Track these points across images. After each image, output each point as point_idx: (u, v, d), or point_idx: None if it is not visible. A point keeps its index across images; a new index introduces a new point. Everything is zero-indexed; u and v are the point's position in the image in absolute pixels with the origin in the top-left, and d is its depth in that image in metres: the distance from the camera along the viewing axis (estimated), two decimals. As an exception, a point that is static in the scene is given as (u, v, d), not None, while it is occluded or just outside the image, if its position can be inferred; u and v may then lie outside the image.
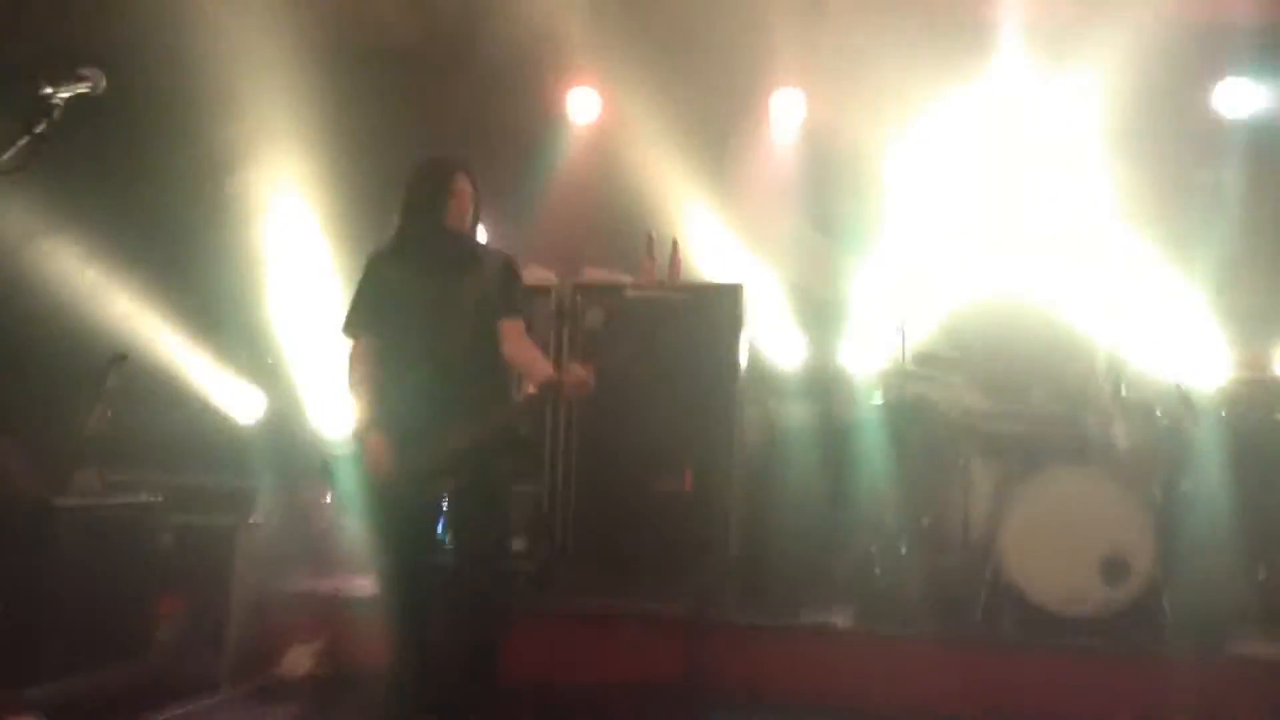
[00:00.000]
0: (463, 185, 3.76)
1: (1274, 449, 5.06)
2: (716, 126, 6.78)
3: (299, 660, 4.69)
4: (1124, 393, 5.29)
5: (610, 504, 4.95)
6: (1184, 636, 4.66)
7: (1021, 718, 4.40)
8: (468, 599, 3.67)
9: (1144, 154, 6.00)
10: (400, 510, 3.65)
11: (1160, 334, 5.85)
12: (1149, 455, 5.14)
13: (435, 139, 6.45)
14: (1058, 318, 5.88)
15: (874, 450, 5.64)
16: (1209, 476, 5.06)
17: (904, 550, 5.27)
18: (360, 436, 3.66)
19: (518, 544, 5.15)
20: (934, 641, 4.72)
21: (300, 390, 5.54)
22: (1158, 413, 5.26)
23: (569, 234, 6.33)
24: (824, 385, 6.09)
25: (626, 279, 5.52)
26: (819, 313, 6.50)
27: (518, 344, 3.75)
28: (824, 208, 6.67)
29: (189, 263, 5.42)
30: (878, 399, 5.66)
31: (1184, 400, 5.24)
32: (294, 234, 6.18)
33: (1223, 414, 5.13)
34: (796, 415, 6.07)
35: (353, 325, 3.80)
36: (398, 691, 3.70)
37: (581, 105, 6.94)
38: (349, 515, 4.96)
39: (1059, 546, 4.81)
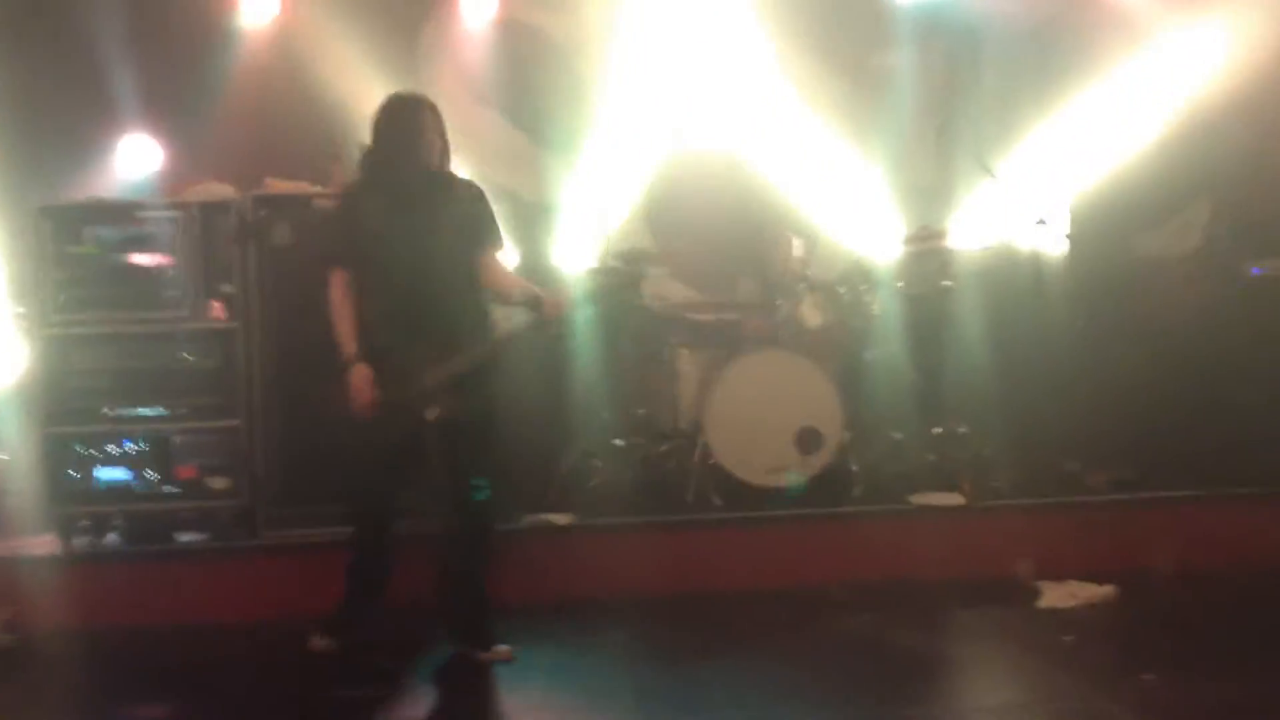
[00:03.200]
0: (430, 120, 3.90)
1: (944, 314, 5.47)
2: (405, 22, 6.45)
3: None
4: (810, 272, 5.57)
5: (311, 432, 4.70)
6: (872, 494, 5.04)
7: (737, 587, 4.61)
8: (466, 524, 3.94)
9: (819, 41, 6.20)
10: (384, 438, 3.84)
11: (840, 212, 6.16)
12: (834, 330, 5.44)
13: (89, 45, 5.85)
14: (756, 204, 6.09)
15: (587, 349, 5.67)
16: (889, 345, 5.43)
17: (619, 443, 5.37)
18: (346, 366, 3.83)
19: (219, 483, 4.88)
20: (648, 528, 4.86)
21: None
22: (840, 289, 5.56)
23: (248, 144, 5.84)
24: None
25: (314, 189, 5.19)
26: (525, 214, 6.40)
27: (498, 272, 4.03)
28: (524, 105, 6.53)
29: None
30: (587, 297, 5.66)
31: (863, 274, 5.57)
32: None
33: (898, 284, 5.48)
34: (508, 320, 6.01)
35: (332, 259, 3.96)
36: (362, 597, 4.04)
37: (256, 5, 6.40)
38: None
39: (758, 424, 5.07)
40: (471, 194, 4.02)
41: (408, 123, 3.88)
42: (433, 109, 3.94)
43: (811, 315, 5.43)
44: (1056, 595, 4.31)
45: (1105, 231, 5.87)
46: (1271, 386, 5.23)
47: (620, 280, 5.53)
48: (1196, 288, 5.73)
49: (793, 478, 4.87)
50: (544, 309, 3.95)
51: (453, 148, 4.01)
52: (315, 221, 4.88)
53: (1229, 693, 3.41)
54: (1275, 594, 4.32)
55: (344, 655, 4.04)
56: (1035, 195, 5.75)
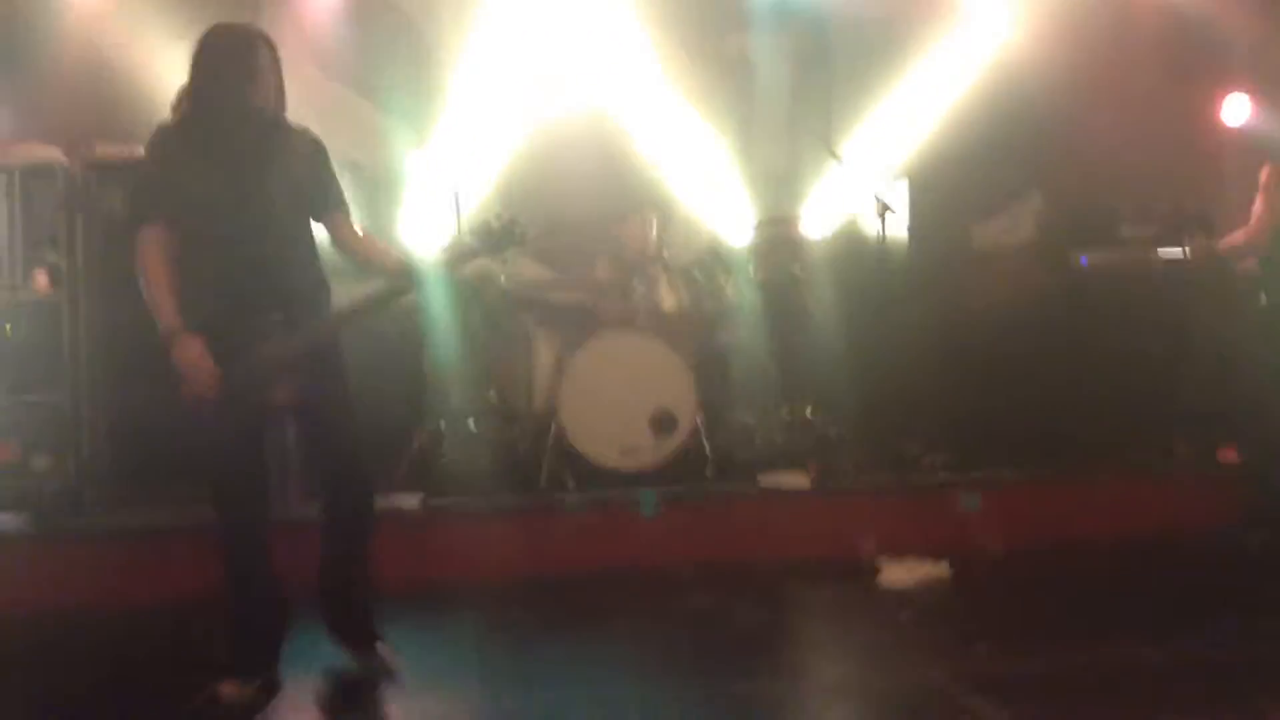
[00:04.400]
0: (266, 58, 3.37)
1: (795, 300, 5.60)
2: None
3: None
4: (666, 256, 5.61)
5: (143, 409, 4.46)
6: (723, 476, 5.12)
7: (589, 569, 4.61)
8: (348, 501, 3.57)
9: (675, 23, 6.23)
10: (233, 420, 3.32)
11: (696, 194, 6.22)
12: (689, 314, 5.50)
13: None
14: (615, 183, 6.08)
15: (439, 328, 5.57)
16: (741, 329, 5.52)
17: (471, 425, 5.29)
18: (171, 338, 3.25)
19: (42, 462, 4.61)
20: (499, 510, 4.83)
21: None
22: (695, 273, 5.62)
23: (74, 106, 5.52)
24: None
25: (148, 154, 4.92)
26: (371, 186, 6.23)
27: (353, 235, 3.57)
28: (371, 76, 6.34)
29: None
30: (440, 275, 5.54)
31: (718, 259, 5.64)
32: None
33: (751, 271, 5.57)
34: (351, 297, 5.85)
35: (142, 211, 3.35)
36: (257, 619, 3.51)
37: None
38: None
39: (613, 407, 5.07)
40: (311, 148, 3.50)
41: (238, 57, 3.32)
42: (269, 45, 3.40)
43: (667, 298, 5.46)
44: (895, 573, 4.47)
45: (944, 220, 6.09)
46: (1098, 373, 5.52)
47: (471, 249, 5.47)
48: (1029, 277, 6.01)
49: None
50: (413, 279, 3.58)
51: (296, 117, 3.54)
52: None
53: (1051, 664, 3.59)
54: (1090, 570, 4.56)
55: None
56: (880, 181, 5.93)
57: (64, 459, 4.57)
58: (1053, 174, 6.16)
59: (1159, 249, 5.67)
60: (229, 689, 3.43)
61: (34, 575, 4.36)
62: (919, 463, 5.27)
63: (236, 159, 3.35)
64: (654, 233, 5.82)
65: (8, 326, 4.60)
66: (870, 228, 5.68)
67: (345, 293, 3.68)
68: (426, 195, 6.05)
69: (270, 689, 3.51)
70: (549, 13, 6.22)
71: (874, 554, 4.62)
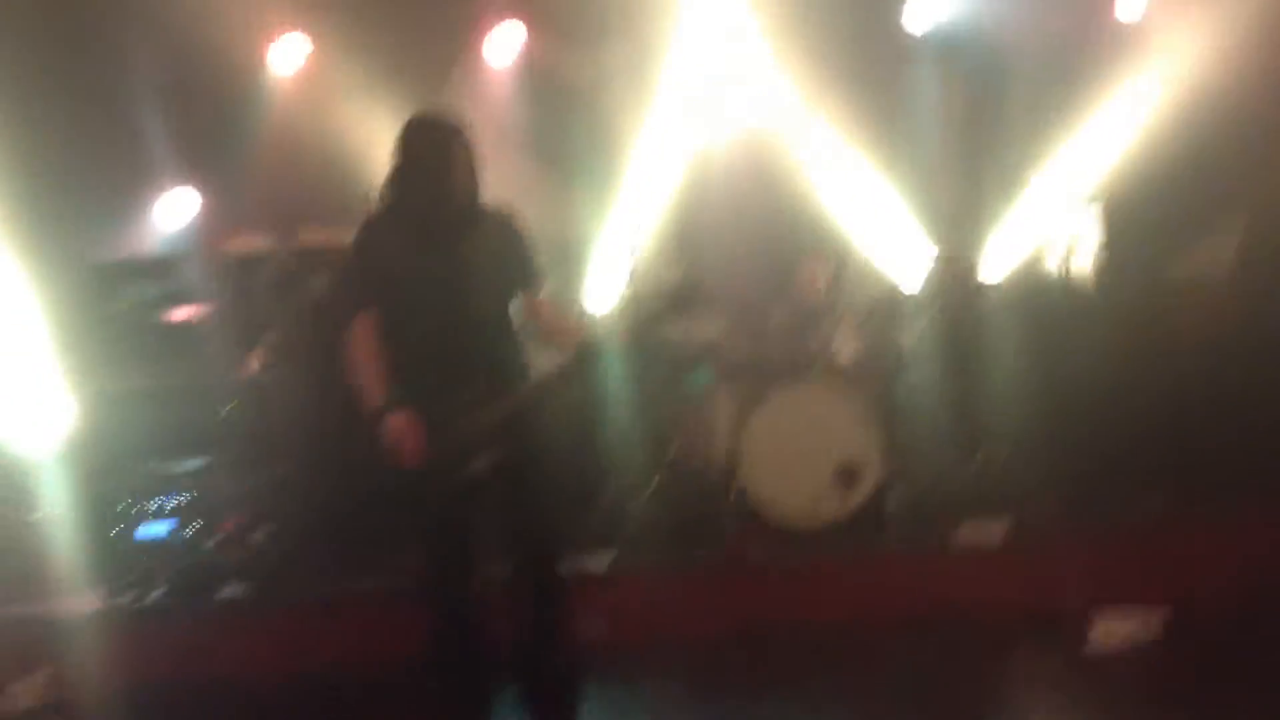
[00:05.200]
0: (463, 148, 3.58)
1: (980, 341, 5.43)
2: (434, 66, 6.52)
3: (23, 693, 4.35)
4: (842, 301, 5.54)
5: (356, 481, 4.71)
6: (916, 525, 4.96)
7: (777, 630, 4.53)
8: (543, 567, 3.70)
9: (839, 70, 6.20)
10: (439, 490, 3.53)
11: (870, 237, 6.14)
12: (869, 362, 5.40)
13: (120, 95, 5.94)
14: (787, 230, 6.08)
15: (619, 390, 5.65)
16: (926, 373, 5.38)
17: (654, 486, 5.32)
18: (380, 416, 3.49)
19: (264, 534, 4.92)
20: (685, 573, 4.82)
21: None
22: (874, 317, 5.53)
23: (282, 194, 5.95)
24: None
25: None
26: (560, 255, 6.41)
27: (545, 309, 3.78)
28: (554, 145, 6.56)
29: None
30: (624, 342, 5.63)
31: (896, 303, 5.53)
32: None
33: (931, 311, 5.44)
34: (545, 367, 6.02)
35: (353, 301, 3.63)
36: (468, 678, 3.68)
37: (287, 53, 6.50)
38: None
39: (795, 462, 5.00)
40: (506, 226, 3.70)
41: (437, 147, 3.53)
42: (466, 132, 3.60)
43: (846, 345, 5.39)
44: (1111, 623, 4.21)
45: (1142, 248, 5.79)
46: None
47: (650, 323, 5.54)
48: (1232, 308, 5.63)
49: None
50: (598, 352, 3.70)
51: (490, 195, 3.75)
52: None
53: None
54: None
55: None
56: (1066, 214, 5.70)
57: (284, 531, 4.86)
58: (1256, 196, 5.78)
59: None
60: None
61: (260, 641, 4.65)
62: (1127, 504, 4.97)
63: (438, 244, 3.56)
64: (828, 278, 5.76)
65: (227, 407, 4.93)
66: (1056, 261, 5.48)
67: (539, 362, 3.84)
68: (612, 260, 6.19)
69: None
70: (712, 62, 6.30)
71: (1086, 601, 4.36)
